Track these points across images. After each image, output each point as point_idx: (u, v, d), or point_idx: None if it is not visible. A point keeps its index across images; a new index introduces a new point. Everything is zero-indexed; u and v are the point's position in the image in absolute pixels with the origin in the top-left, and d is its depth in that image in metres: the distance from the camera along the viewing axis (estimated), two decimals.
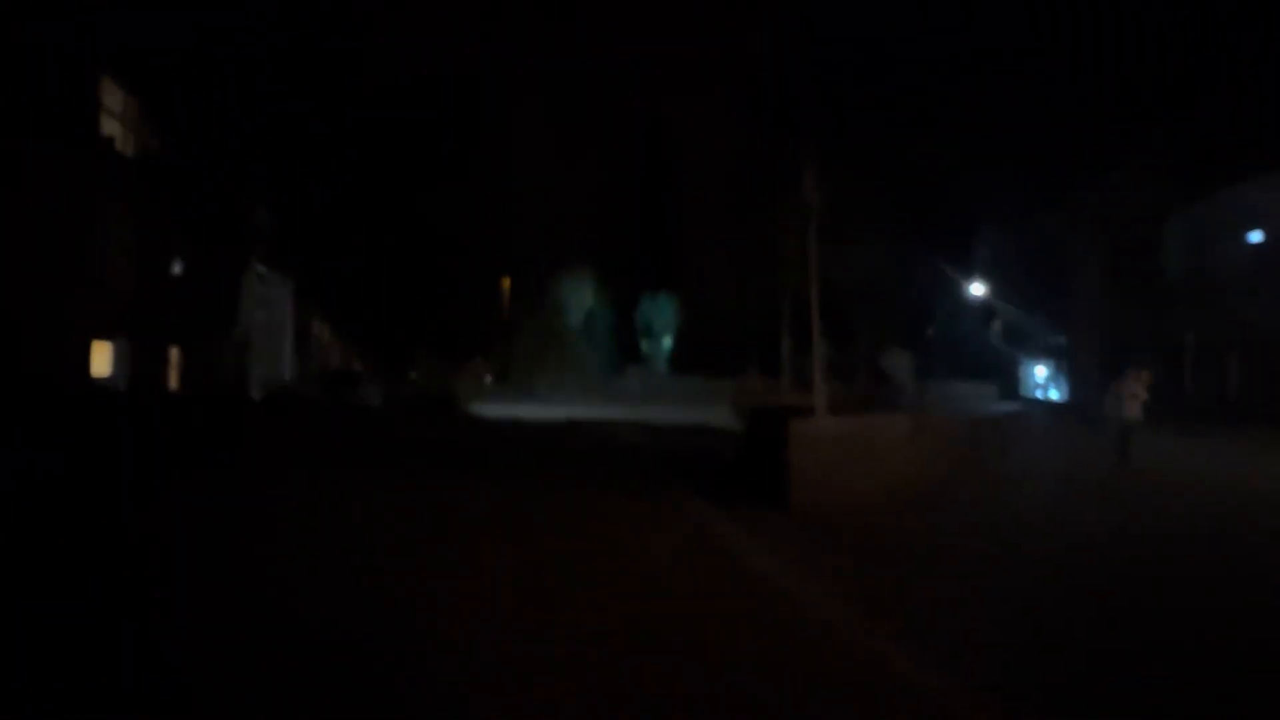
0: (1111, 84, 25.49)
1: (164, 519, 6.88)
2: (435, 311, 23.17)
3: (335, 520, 7.07)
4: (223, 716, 3.16)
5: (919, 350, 40.92)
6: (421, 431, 16.72)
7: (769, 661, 3.81)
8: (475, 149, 23.24)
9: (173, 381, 18.51)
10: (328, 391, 24.62)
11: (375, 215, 20.86)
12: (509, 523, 7.12)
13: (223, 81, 18.23)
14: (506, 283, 41.00)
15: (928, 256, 36.13)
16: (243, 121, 18.74)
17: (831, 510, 7.76)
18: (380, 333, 22.69)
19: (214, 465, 10.33)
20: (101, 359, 16.32)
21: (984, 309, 38.37)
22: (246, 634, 3.98)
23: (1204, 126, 21.61)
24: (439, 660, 3.70)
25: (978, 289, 37.80)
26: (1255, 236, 21.32)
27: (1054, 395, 35.19)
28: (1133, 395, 11.94)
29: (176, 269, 18.97)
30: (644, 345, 44.79)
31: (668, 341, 45.03)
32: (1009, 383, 37.84)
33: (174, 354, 18.71)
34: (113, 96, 16.59)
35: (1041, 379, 37.67)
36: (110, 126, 16.48)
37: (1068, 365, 33.50)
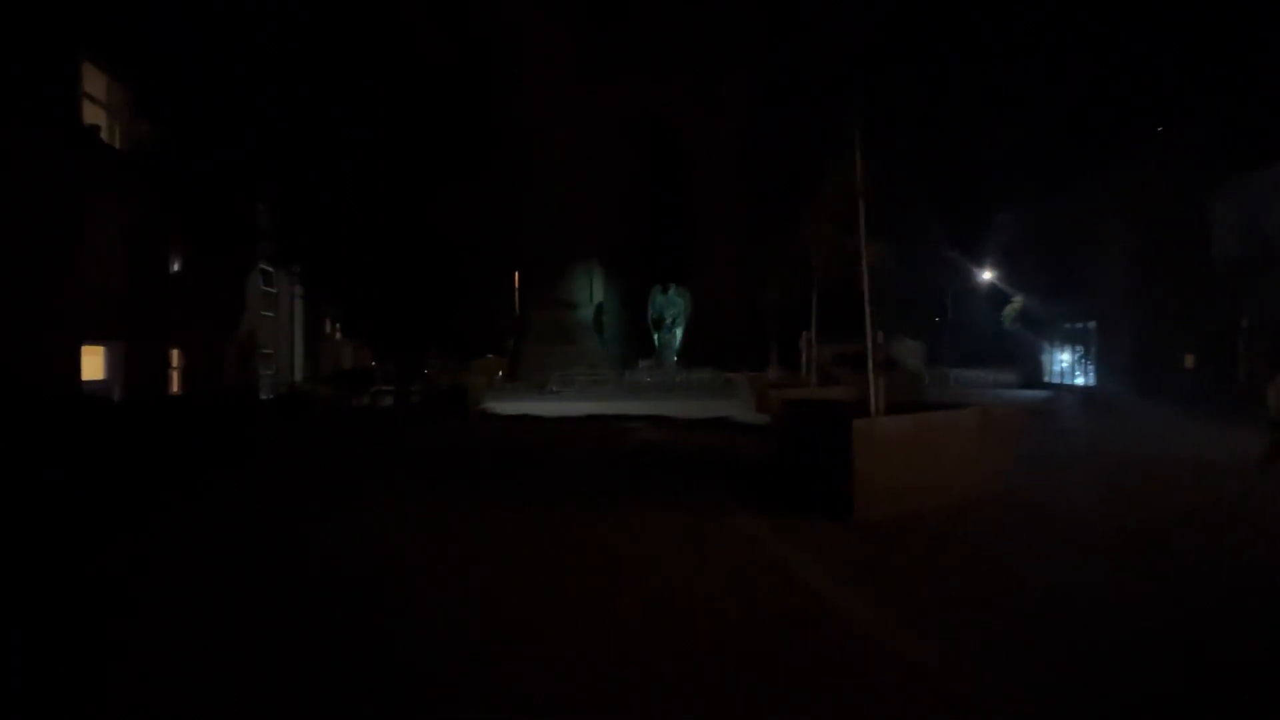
0: (1145, 54, 24.20)
1: (123, 565, 5.99)
2: (445, 308, 22.36)
3: (362, 565, 6.16)
4: None
5: (929, 338, 39.83)
6: (435, 435, 15.85)
7: None
8: (484, 141, 22.31)
9: (175, 385, 17.61)
10: (338, 392, 24.03)
11: (384, 210, 19.93)
12: (535, 554, 6.19)
13: (219, 70, 17.23)
14: (516, 278, 40.10)
15: (940, 241, 35.02)
16: (241, 112, 17.77)
17: (904, 523, 6.79)
18: (391, 331, 21.93)
19: (204, 489, 9.44)
20: (94, 363, 15.42)
21: (996, 295, 37.31)
22: None
23: (1255, 90, 20.35)
24: None
25: (990, 275, 36.70)
26: None
27: (1079, 382, 34.09)
28: None
29: (175, 267, 18.02)
30: (655, 338, 43.95)
31: (679, 334, 44.18)
32: (1029, 370, 36.81)
33: (175, 356, 17.79)
34: (96, 82, 15.64)
35: (1064, 365, 36.56)
36: (95, 115, 15.54)
37: (1096, 351, 32.37)
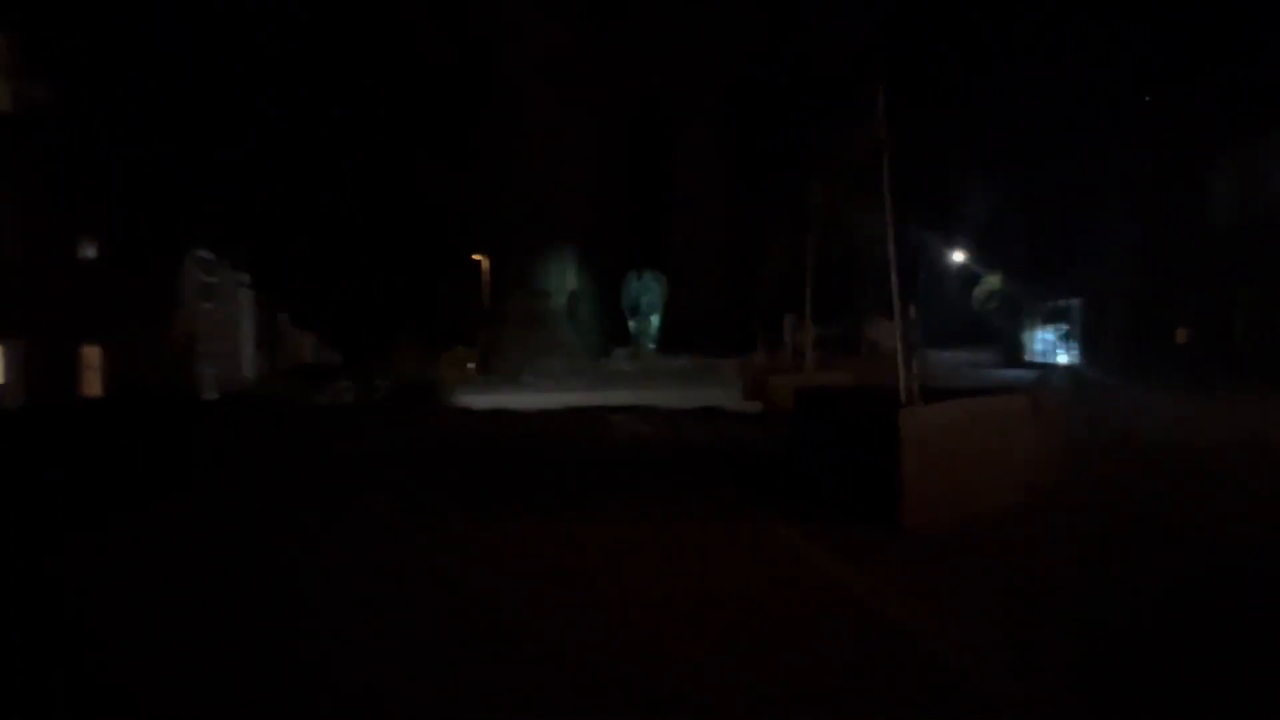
0: (1140, 16, 23.39)
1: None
2: (411, 298, 20.96)
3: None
4: None
5: (901, 318, 39.30)
6: (401, 435, 14.50)
7: None
8: (451, 122, 20.85)
9: (95, 388, 15.86)
10: (296, 389, 22.53)
11: (342, 193, 18.37)
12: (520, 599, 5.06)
13: (139, 21, 15.14)
14: (485, 264, 38.58)
15: (910, 216, 34.26)
16: (168, 73, 15.80)
17: (964, 531, 5.78)
18: (353, 323, 20.47)
19: (111, 514, 8.10)
20: None
21: (968, 273, 36.81)
22: None
23: (1255, 56, 19.70)
24: None
25: (962, 253, 36.10)
26: None
27: (1063, 360, 33.66)
28: None
29: (89, 253, 16.18)
30: (631, 325, 42.93)
31: (655, 321, 43.25)
32: (1009, 349, 36.39)
33: (94, 355, 16.02)
34: None
35: (1046, 344, 36.14)
36: None
37: (1079, 329, 31.91)
